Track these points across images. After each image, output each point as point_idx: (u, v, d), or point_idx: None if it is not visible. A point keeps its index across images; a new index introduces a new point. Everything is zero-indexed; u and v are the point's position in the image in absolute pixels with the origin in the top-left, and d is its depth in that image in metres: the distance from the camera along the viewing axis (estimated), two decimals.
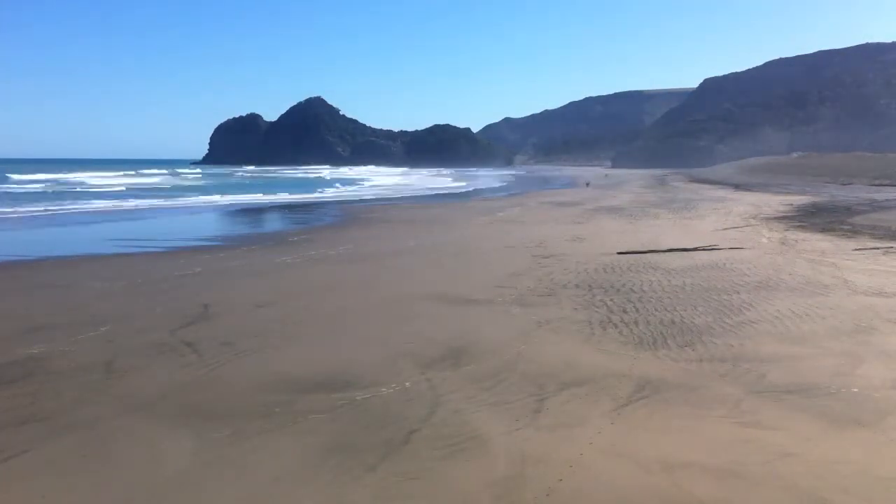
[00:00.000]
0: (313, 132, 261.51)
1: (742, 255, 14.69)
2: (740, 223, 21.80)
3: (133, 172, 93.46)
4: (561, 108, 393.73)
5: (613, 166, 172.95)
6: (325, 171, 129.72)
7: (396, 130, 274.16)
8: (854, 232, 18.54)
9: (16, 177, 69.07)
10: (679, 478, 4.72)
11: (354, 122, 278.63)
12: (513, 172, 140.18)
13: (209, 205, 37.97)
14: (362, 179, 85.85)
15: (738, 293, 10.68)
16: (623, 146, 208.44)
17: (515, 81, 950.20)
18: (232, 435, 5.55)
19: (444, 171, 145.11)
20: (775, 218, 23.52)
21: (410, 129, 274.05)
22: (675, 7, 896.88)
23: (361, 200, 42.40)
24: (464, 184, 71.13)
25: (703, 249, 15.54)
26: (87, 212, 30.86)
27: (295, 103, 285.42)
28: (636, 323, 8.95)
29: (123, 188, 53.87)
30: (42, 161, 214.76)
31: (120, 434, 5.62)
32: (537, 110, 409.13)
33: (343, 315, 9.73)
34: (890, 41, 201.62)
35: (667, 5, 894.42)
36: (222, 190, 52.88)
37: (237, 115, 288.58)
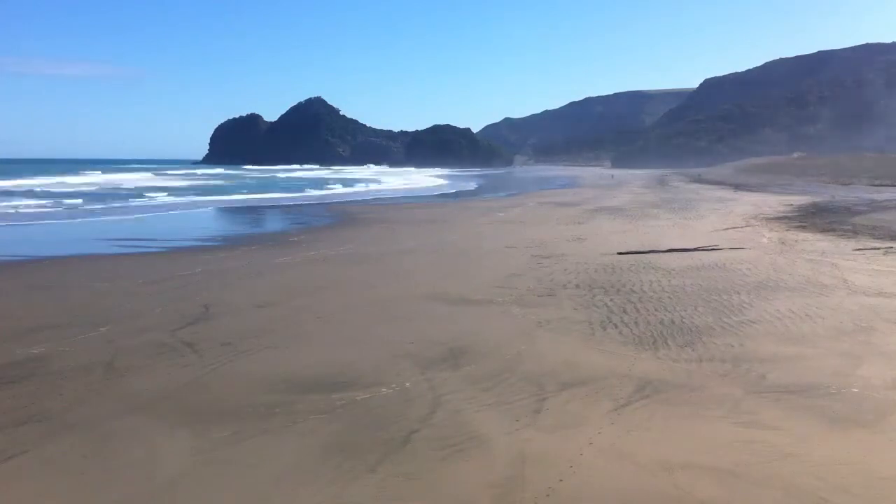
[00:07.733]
0: (313, 132, 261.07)
1: (742, 255, 14.69)
2: (740, 223, 21.79)
3: (133, 173, 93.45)
4: (561, 108, 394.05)
5: (613, 166, 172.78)
6: (326, 172, 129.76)
7: (396, 130, 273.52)
8: (854, 232, 18.53)
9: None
10: (679, 478, 4.72)
11: (354, 122, 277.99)
12: (510, 172, 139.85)
13: (208, 204, 37.96)
14: (363, 180, 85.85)
15: (739, 293, 10.68)
16: (623, 146, 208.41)
17: (515, 81, 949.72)
18: (232, 435, 5.55)
19: (439, 170, 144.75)
20: (775, 218, 23.51)
21: (410, 129, 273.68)
22: (675, 7, 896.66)
23: (362, 200, 42.41)
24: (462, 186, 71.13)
25: (704, 250, 15.54)
26: (81, 210, 30.87)
27: (295, 103, 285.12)
28: (636, 323, 8.95)
29: (123, 187, 53.84)
30: (40, 161, 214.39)
31: (120, 434, 5.62)
32: (537, 110, 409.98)
33: (343, 315, 9.73)
34: (890, 41, 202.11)
35: (667, 5, 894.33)
36: (222, 190, 52.89)
37: (237, 115, 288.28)
